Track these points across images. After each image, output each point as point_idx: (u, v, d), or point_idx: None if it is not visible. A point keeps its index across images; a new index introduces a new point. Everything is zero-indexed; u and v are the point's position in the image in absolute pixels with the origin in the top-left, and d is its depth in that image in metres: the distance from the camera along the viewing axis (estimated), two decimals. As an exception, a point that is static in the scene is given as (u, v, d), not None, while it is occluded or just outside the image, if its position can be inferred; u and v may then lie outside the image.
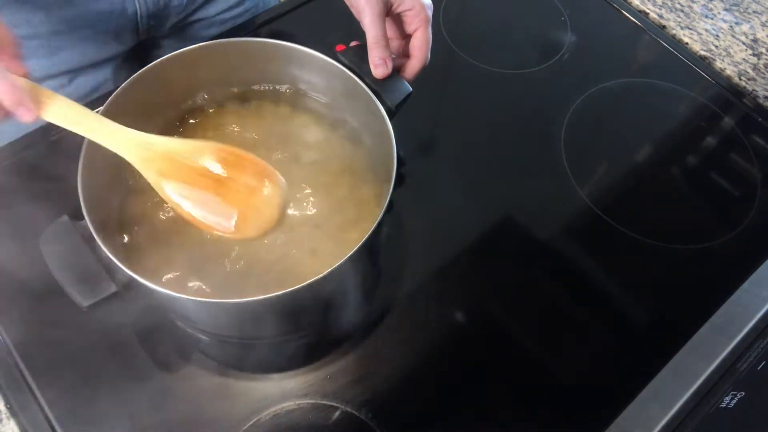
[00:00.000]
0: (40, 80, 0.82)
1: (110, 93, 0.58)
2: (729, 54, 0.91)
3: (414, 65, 0.65)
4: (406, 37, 0.66)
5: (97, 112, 0.54)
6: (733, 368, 0.63)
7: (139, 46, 0.88)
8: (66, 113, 0.51)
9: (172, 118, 0.67)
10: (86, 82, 0.84)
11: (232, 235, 0.51)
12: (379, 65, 0.62)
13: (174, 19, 0.87)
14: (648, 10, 0.95)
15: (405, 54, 0.67)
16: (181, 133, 0.67)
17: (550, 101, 0.86)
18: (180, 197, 0.51)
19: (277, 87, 0.70)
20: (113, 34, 0.83)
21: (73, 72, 0.82)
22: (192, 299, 0.53)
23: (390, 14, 0.64)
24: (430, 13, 0.65)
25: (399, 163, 0.58)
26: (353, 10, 0.64)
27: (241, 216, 0.50)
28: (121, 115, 0.55)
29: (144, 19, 0.83)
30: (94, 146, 0.57)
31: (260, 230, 0.51)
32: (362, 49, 0.63)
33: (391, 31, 0.66)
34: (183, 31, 0.91)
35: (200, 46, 0.64)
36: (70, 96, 0.80)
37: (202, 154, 0.52)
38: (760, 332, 0.66)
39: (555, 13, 0.95)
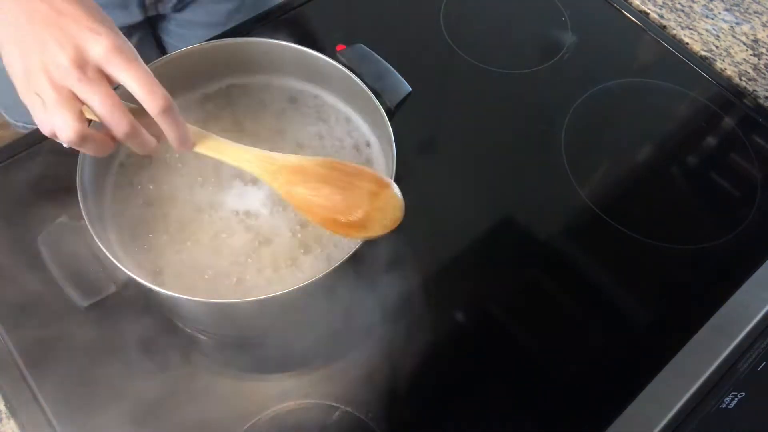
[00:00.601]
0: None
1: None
2: (729, 54, 0.91)
3: None
4: None
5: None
6: (734, 369, 0.63)
7: (146, 21, 0.88)
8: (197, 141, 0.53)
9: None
10: None
11: (358, 235, 0.53)
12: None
13: None
14: (648, 10, 0.95)
15: None
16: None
17: (550, 101, 0.86)
18: (307, 203, 0.53)
19: (277, 87, 0.70)
20: (120, 5, 0.83)
21: None
22: (192, 299, 0.52)
23: None
24: None
25: (399, 164, 0.58)
26: None
27: (366, 216, 0.52)
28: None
29: None
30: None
31: (386, 229, 0.53)
32: (362, 49, 0.63)
33: None
34: (190, 7, 0.91)
35: (200, 46, 0.64)
36: None
37: (323, 165, 0.54)
38: (760, 333, 0.66)
39: (555, 13, 0.95)
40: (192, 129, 0.52)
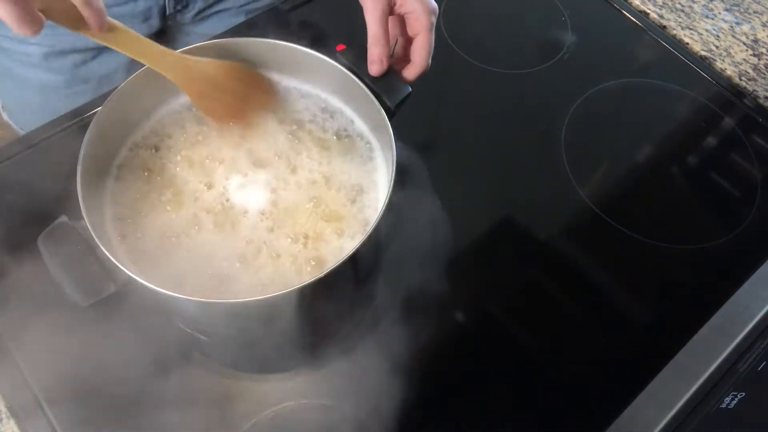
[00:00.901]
0: (65, 53, 0.84)
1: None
2: (729, 54, 0.91)
3: (413, 70, 0.65)
4: (410, 39, 0.66)
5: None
6: (734, 369, 0.63)
7: (165, 30, 0.89)
8: (120, 37, 0.55)
9: (176, 108, 0.68)
10: (110, 59, 0.85)
11: (229, 122, 0.65)
12: (374, 62, 0.62)
13: (201, 4, 0.87)
14: (648, 10, 0.95)
15: (407, 56, 0.67)
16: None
17: (550, 101, 0.86)
18: (210, 109, 0.64)
19: (277, 86, 0.70)
20: (142, 17, 0.84)
21: (98, 49, 0.83)
22: (191, 299, 0.52)
23: (393, 13, 0.64)
24: (433, 19, 0.64)
25: (399, 164, 0.58)
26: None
27: (249, 111, 0.65)
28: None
29: (171, 2, 0.83)
30: (94, 146, 0.58)
31: (258, 119, 0.66)
32: (362, 49, 0.63)
33: (396, 29, 0.66)
34: (209, 18, 0.91)
35: (199, 46, 0.63)
36: (92, 72, 0.84)
37: (229, 76, 0.63)
38: (760, 333, 0.66)
39: (555, 13, 0.95)
40: (113, 23, 0.53)
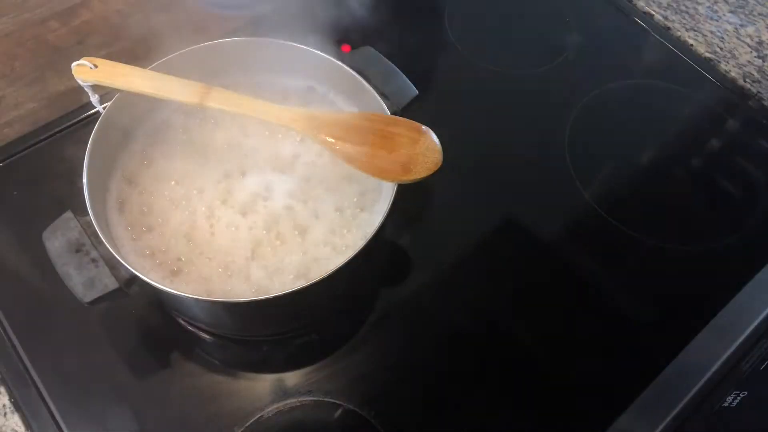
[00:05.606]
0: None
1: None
2: (734, 56, 0.91)
3: None
4: None
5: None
6: (737, 368, 0.63)
7: None
8: (229, 100, 0.57)
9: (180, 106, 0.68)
10: None
11: (404, 178, 0.56)
12: None
13: None
14: (653, 12, 0.95)
15: None
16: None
17: (554, 102, 0.86)
18: (352, 155, 0.56)
19: (284, 86, 0.70)
20: None
21: None
22: (194, 297, 0.53)
23: None
24: None
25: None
26: None
27: (410, 160, 0.56)
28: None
29: None
30: (100, 143, 0.58)
31: (428, 171, 0.57)
32: (370, 51, 0.63)
33: None
34: None
35: (205, 46, 0.64)
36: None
37: (360, 118, 0.58)
38: (763, 332, 0.66)
39: (559, 14, 0.95)
40: (229, 93, 0.56)
